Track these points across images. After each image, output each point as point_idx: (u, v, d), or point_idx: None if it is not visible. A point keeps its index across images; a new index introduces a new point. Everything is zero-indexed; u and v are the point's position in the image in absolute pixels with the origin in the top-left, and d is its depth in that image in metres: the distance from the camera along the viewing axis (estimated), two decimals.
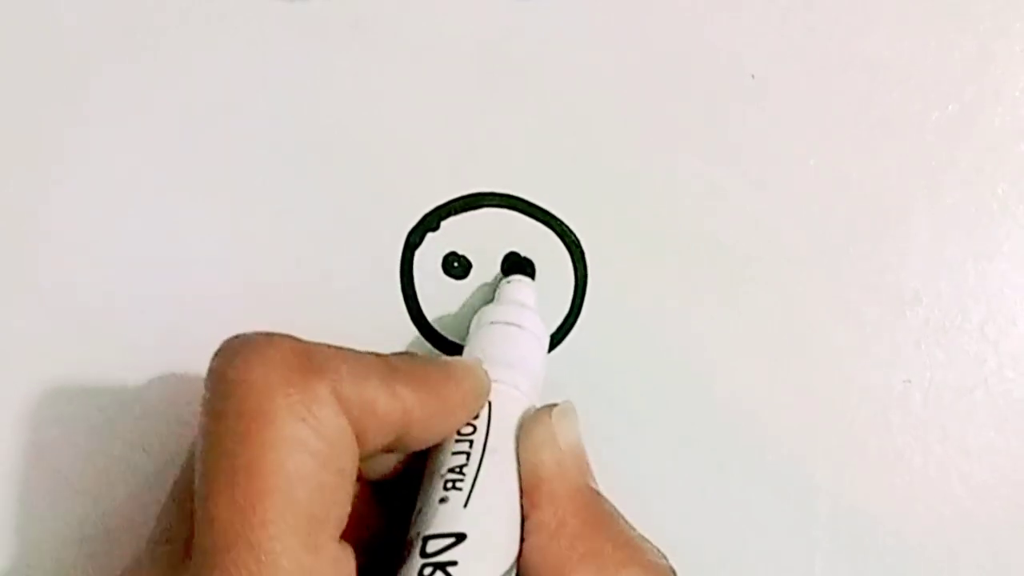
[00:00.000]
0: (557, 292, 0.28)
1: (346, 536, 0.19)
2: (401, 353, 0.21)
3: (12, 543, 0.28)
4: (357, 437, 0.19)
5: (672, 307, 0.28)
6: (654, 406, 0.28)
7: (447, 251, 0.28)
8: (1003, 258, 0.28)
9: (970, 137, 0.27)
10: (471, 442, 0.21)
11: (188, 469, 0.20)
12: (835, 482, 0.28)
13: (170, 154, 0.28)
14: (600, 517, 0.21)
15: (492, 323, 0.25)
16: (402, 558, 0.20)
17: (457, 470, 0.21)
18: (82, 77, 0.28)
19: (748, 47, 0.27)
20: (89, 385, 0.28)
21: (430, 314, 0.28)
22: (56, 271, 0.28)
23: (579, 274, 0.28)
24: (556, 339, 0.28)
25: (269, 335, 0.19)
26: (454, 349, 0.28)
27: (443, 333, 0.28)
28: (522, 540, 0.21)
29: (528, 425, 0.22)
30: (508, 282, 0.27)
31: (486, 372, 0.23)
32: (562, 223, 0.28)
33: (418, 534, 0.20)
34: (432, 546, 0.19)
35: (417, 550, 0.19)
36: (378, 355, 0.21)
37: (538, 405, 0.24)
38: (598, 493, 0.22)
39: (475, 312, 0.26)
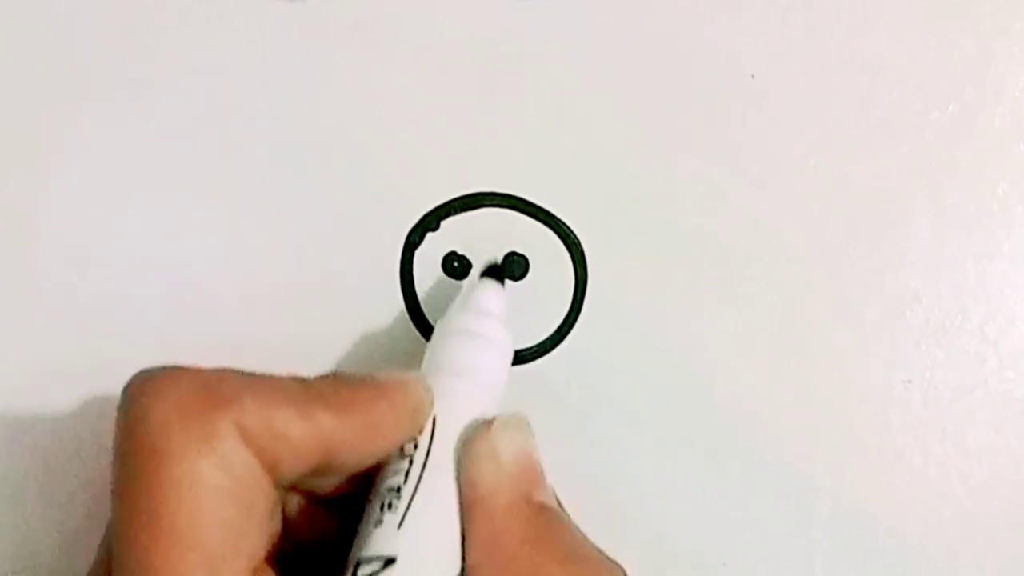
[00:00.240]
0: (557, 292, 0.28)
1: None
2: (326, 375, 0.21)
3: (12, 544, 0.28)
4: (269, 468, 0.19)
5: (672, 307, 0.28)
6: (654, 406, 0.28)
7: (447, 251, 0.28)
8: (1003, 258, 0.28)
9: (970, 137, 0.27)
10: (411, 460, 0.21)
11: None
12: (835, 482, 0.28)
13: (170, 154, 0.28)
14: (541, 531, 0.20)
15: (449, 332, 0.24)
16: None
17: (395, 490, 0.20)
18: (82, 77, 0.28)
19: (748, 47, 0.27)
20: (89, 385, 0.28)
21: (430, 314, 0.28)
22: (56, 271, 0.28)
23: (579, 274, 0.28)
24: (556, 339, 0.28)
25: (171, 368, 0.19)
26: None
27: None
28: (463, 560, 0.20)
29: (469, 439, 0.21)
30: (472, 287, 0.25)
31: (427, 387, 0.22)
32: (562, 223, 0.28)
33: (353, 557, 0.19)
34: (363, 570, 0.19)
35: (350, 574, 0.19)
36: (297, 379, 0.20)
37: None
38: (543, 506, 0.21)
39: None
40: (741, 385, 0.28)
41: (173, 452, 0.18)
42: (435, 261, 0.28)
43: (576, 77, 0.27)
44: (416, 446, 0.21)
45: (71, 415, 0.28)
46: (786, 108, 0.27)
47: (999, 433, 0.28)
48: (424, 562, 0.19)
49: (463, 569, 0.20)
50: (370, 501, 0.21)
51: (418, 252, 0.28)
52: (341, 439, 0.20)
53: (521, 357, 0.28)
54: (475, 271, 0.28)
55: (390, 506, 0.20)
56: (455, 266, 0.28)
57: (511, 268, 0.28)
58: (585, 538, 0.21)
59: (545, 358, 0.28)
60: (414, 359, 0.28)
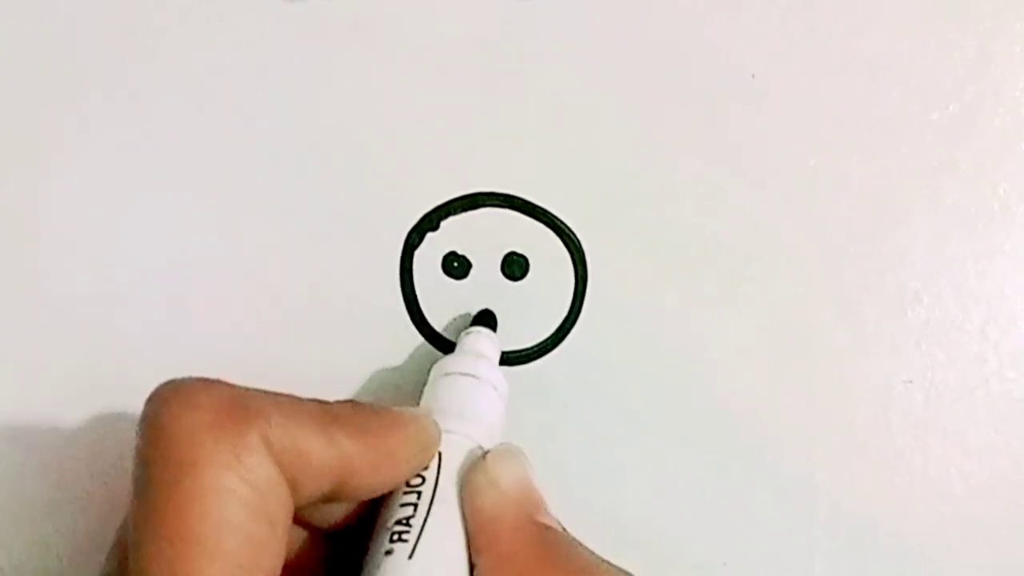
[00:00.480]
0: (557, 292, 0.28)
1: None
2: (345, 401, 0.21)
3: (9, 544, 0.28)
4: (290, 485, 0.19)
5: (672, 307, 0.28)
6: (654, 406, 0.28)
7: (447, 251, 0.28)
8: (1004, 258, 0.28)
9: (970, 137, 0.27)
10: (419, 493, 0.21)
11: (127, 519, 0.20)
12: (835, 482, 0.28)
13: (170, 154, 0.28)
14: (547, 550, 0.21)
15: (447, 374, 0.25)
16: None
17: (404, 522, 0.20)
18: (82, 77, 0.28)
19: (748, 47, 0.27)
20: (88, 385, 0.28)
21: (430, 314, 0.28)
22: (56, 271, 0.28)
23: (579, 274, 0.28)
24: (556, 339, 0.28)
25: (200, 380, 0.19)
26: (453, 349, 0.28)
27: (443, 333, 0.28)
28: None
29: (468, 472, 0.22)
30: (467, 333, 0.26)
31: (435, 423, 0.22)
32: (562, 223, 0.28)
33: None
34: None
35: None
36: (318, 401, 0.20)
37: None
38: (547, 527, 0.21)
39: (465, 327, 0.26)
40: (741, 385, 0.28)
41: (201, 463, 0.18)
42: (435, 261, 0.28)
43: (576, 77, 0.27)
44: (423, 480, 0.22)
45: (71, 417, 0.28)
46: (786, 108, 0.27)
47: (999, 433, 0.28)
48: None
49: None
50: (376, 534, 0.21)
51: (418, 252, 0.28)
52: (358, 464, 0.20)
53: (521, 357, 0.28)
54: (484, 268, 0.28)
55: (400, 537, 0.20)
56: (455, 266, 0.28)
57: (511, 268, 0.28)
58: (593, 553, 0.21)
59: (545, 358, 0.28)
60: (414, 359, 0.28)
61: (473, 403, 0.24)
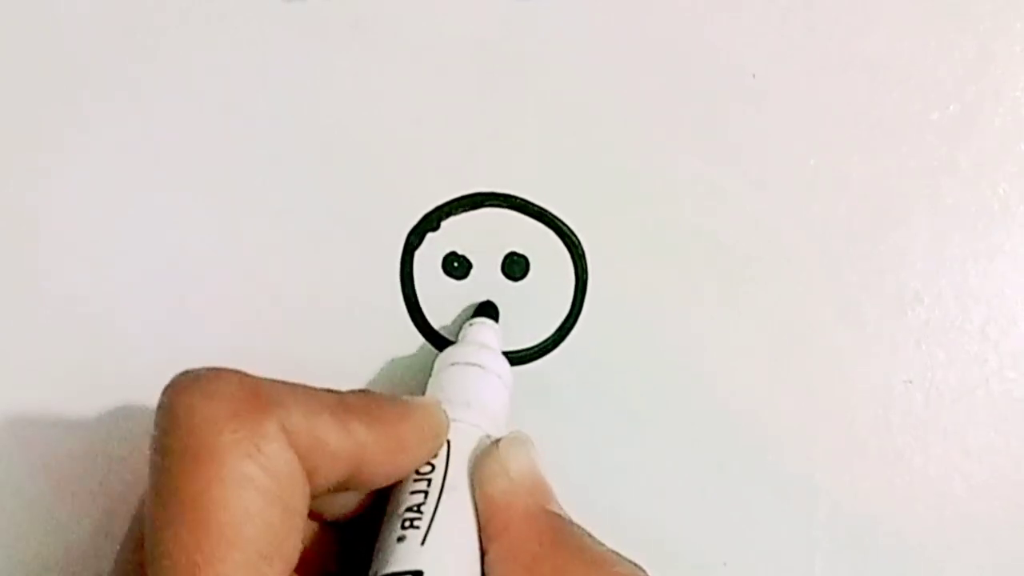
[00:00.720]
0: (557, 292, 0.28)
1: (303, 575, 0.19)
2: (357, 390, 0.21)
3: (9, 544, 0.28)
4: (307, 474, 0.19)
5: (672, 307, 0.28)
6: (654, 406, 0.28)
7: (447, 251, 0.28)
8: (1004, 258, 0.28)
9: (970, 137, 0.27)
10: (429, 480, 0.21)
11: (142, 509, 0.20)
12: (835, 482, 0.28)
13: (170, 154, 0.28)
14: (560, 538, 0.21)
15: (453, 364, 0.25)
16: None
17: (415, 509, 0.21)
18: (82, 77, 0.28)
19: (748, 47, 0.27)
20: (88, 385, 0.28)
21: (430, 314, 0.28)
22: (56, 271, 0.28)
23: (579, 274, 0.28)
24: (556, 339, 0.28)
25: (218, 370, 0.19)
26: None
27: (443, 333, 0.28)
28: (484, 575, 0.21)
29: (479, 459, 0.22)
30: (471, 324, 0.27)
31: (445, 412, 0.23)
32: (562, 223, 0.28)
33: (375, 573, 0.20)
34: None
35: None
36: (332, 391, 0.20)
37: None
38: (558, 515, 0.22)
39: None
40: (741, 385, 0.28)
41: (221, 451, 0.18)
42: (435, 261, 0.28)
43: (576, 77, 0.27)
44: (433, 468, 0.22)
45: (71, 417, 0.28)
46: (786, 108, 0.27)
47: (999, 433, 0.28)
48: (448, 575, 0.20)
49: None
50: (387, 521, 0.21)
51: (418, 252, 0.28)
52: (372, 452, 0.20)
53: (521, 357, 0.28)
54: (484, 268, 0.28)
55: (412, 524, 0.20)
56: (455, 266, 0.28)
57: (511, 268, 0.28)
58: (601, 543, 0.21)
59: (545, 358, 0.28)
60: (414, 359, 0.28)
61: (479, 392, 0.24)
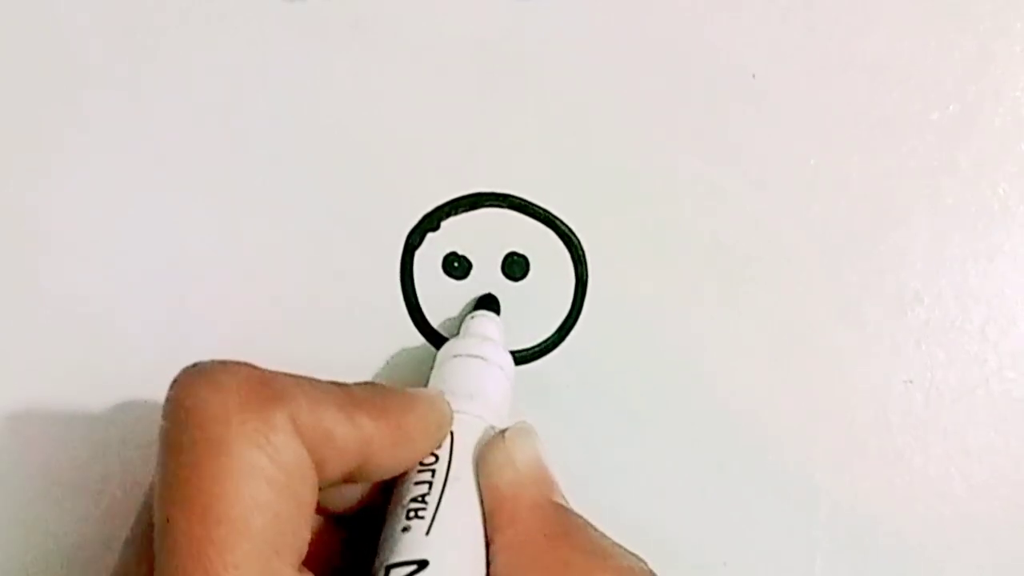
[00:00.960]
0: (557, 292, 0.28)
1: (309, 568, 0.19)
2: (362, 383, 0.21)
3: (9, 544, 0.28)
4: (316, 466, 0.19)
5: (672, 307, 0.28)
6: (654, 406, 0.28)
7: (447, 251, 0.28)
8: (1004, 258, 0.28)
9: (970, 137, 0.27)
10: (433, 471, 0.22)
11: (149, 501, 0.20)
12: (835, 482, 0.28)
13: (170, 154, 0.28)
14: (565, 529, 0.21)
15: (455, 356, 0.25)
16: None
17: (420, 499, 0.21)
18: (82, 77, 0.28)
19: (748, 47, 0.27)
20: (88, 384, 0.28)
21: (430, 314, 0.28)
22: (56, 271, 0.28)
23: (579, 274, 0.28)
24: (556, 339, 0.28)
25: (225, 363, 0.19)
26: None
27: (443, 333, 0.28)
28: (489, 564, 0.21)
29: (485, 450, 0.22)
30: (472, 317, 0.27)
31: (448, 403, 0.23)
32: (562, 223, 0.28)
33: (381, 564, 0.20)
34: (395, 574, 0.19)
35: None
36: (337, 384, 0.20)
37: None
38: (562, 507, 0.22)
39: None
40: (741, 385, 0.28)
41: (230, 443, 0.18)
42: (435, 261, 0.28)
43: (576, 77, 0.27)
44: (437, 459, 0.22)
45: (71, 417, 0.28)
46: (786, 108, 0.27)
47: (999, 433, 0.28)
48: (454, 565, 0.20)
49: (489, 573, 0.20)
50: (391, 512, 0.21)
51: (418, 252, 0.28)
52: (379, 443, 0.20)
53: (521, 357, 0.28)
54: (484, 268, 0.28)
55: (416, 514, 0.20)
56: (455, 266, 0.28)
57: (511, 268, 0.28)
58: (605, 535, 0.22)
59: (545, 358, 0.28)
60: (414, 359, 0.28)
61: (481, 383, 0.25)
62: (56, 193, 0.28)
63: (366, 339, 0.28)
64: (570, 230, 0.28)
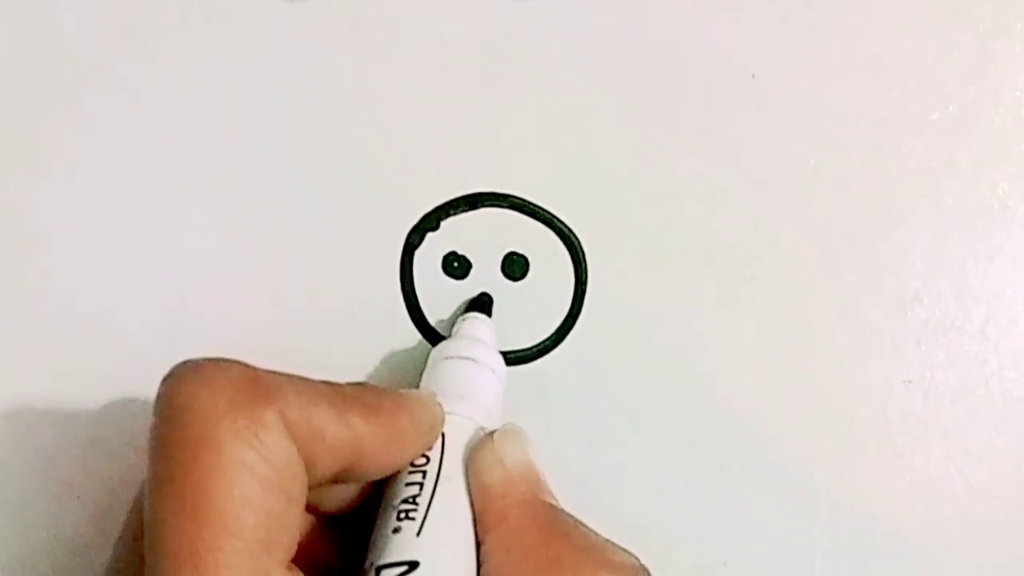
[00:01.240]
0: (557, 292, 0.28)
1: (300, 568, 0.19)
2: (354, 383, 0.21)
3: (10, 545, 0.28)
4: (306, 464, 0.19)
5: (672, 307, 0.28)
6: (654, 406, 0.28)
7: (447, 251, 0.28)
8: (1004, 258, 0.28)
9: (970, 137, 0.27)
10: (424, 472, 0.22)
11: (141, 499, 0.20)
12: (835, 482, 0.28)
13: (170, 154, 0.28)
14: (555, 527, 0.21)
15: (447, 358, 0.25)
16: None
17: (410, 500, 0.21)
18: (82, 77, 0.28)
19: (748, 47, 0.27)
20: (88, 384, 0.28)
21: (430, 314, 0.28)
22: (56, 272, 0.28)
23: (579, 274, 0.28)
24: (556, 339, 0.28)
25: (217, 360, 0.19)
26: None
27: (443, 333, 0.28)
28: (481, 565, 0.21)
29: (474, 451, 0.22)
30: (464, 319, 0.27)
31: (440, 404, 0.23)
32: (562, 223, 0.28)
33: (371, 564, 0.20)
34: (385, 575, 0.19)
35: None
36: (329, 383, 0.20)
37: None
38: (552, 505, 0.22)
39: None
40: (741, 385, 0.28)
41: (220, 440, 0.18)
42: (435, 261, 0.28)
43: (576, 77, 0.27)
44: (428, 460, 0.22)
45: (71, 416, 0.28)
46: (786, 108, 0.27)
47: (999, 433, 0.28)
48: (445, 566, 0.20)
49: (480, 573, 0.21)
50: (382, 514, 0.21)
51: (418, 252, 0.28)
52: (370, 443, 0.20)
53: (521, 357, 0.28)
54: (484, 268, 0.28)
55: (407, 515, 0.21)
56: (455, 266, 0.28)
57: (511, 268, 0.28)
58: (596, 532, 0.22)
59: (545, 358, 0.28)
60: (414, 358, 0.28)
61: (472, 385, 0.25)
62: (56, 193, 0.28)
63: (366, 339, 0.28)
64: (570, 230, 0.28)
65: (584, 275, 0.28)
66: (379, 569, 0.19)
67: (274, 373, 0.19)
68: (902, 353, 0.28)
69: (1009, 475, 0.28)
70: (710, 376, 0.28)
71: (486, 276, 0.28)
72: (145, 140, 0.28)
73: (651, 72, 0.27)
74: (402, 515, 0.21)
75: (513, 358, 0.28)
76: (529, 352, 0.28)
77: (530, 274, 0.28)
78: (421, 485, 0.21)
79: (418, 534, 0.20)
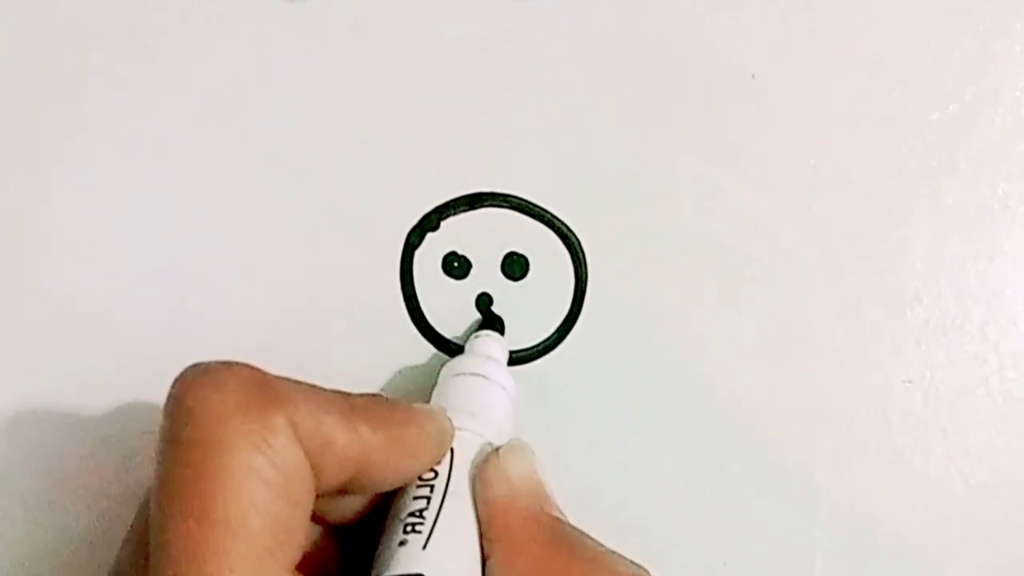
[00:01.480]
0: (557, 292, 0.28)
1: None
2: (366, 394, 0.21)
3: (10, 544, 0.28)
4: (314, 471, 0.19)
5: (672, 307, 0.28)
6: (654, 406, 0.28)
7: (447, 251, 0.28)
8: (1003, 258, 0.28)
9: (970, 137, 0.27)
10: (432, 487, 0.22)
11: (148, 501, 0.20)
12: (835, 482, 0.28)
13: (170, 154, 0.28)
14: (560, 540, 0.21)
15: (458, 374, 0.25)
16: None
17: (417, 514, 0.21)
18: (82, 77, 0.28)
19: (748, 47, 0.27)
20: (89, 385, 0.28)
21: (430, 314, 0.28)
22: (56, 272, 0.28)
23: (579, 274, 0.28)
24: (556, 339, 0.28)
25: (228, 363, 0.19)
26: (453, 349, 0.28)
27: (443, 333, 0.28)
28: None
29: (481, 466, 0.22)
30: (477, 336, 0.27)
31: (449, 420, 0.23)
32: (562, 223, 0.28)
33: None
34: None
35: None
36: (339, 392, 0.20)
37: None
38: (558, 519, 0.22)
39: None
40: (741, 385, 0.28)
41: (229, 443, 0.18)
42: (435, 261, 0.28)
43: (576, 77, 0.27)
44: (436, 475, 0.22)
45: (71, 416, 0.28)
46: (786, 108, 0.27)
47: (999, 433, 0.28)
48: None
49: None
50: (388, 526, 0.21)
51: (418, 252, 0.28)
52: (378, 455, 0.20)
53: (521, 357, 0.28)
54: (484, 268, 0.28)
55: (414, 529, 0.21)
56: (455, 266, 0.28)
57: (511, 268, 0.28)
58: (601, 544, 0.22)
59: (545, 358, 0.28)
60: (414, 359, 0.28)
61: (483, 402, 0.25)
62: (56, 193, 0.28)
63: (366, 338, 0.28)
64: (570, 230, 0.28)
65: (584, 275, 0.28)
66: None
67: (285, 379, 0.19)
68: (902, 353, 0.28)
69: (1009, 475, 0.28)
70: (710, 376, 0.28)
71: (486, 276, 0.28)
72: (145, 140, 0.28)
73: (651, 72, 0.27)
74: (408, 528, 0.21)
75: (513, 358, 0.28)
76: (529, 352, 0.28)
77: (530, 274, 0.28)
78: (428, 499, 0.21)
79: (424, 547, 0.20)
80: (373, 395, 0.22)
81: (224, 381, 0.18)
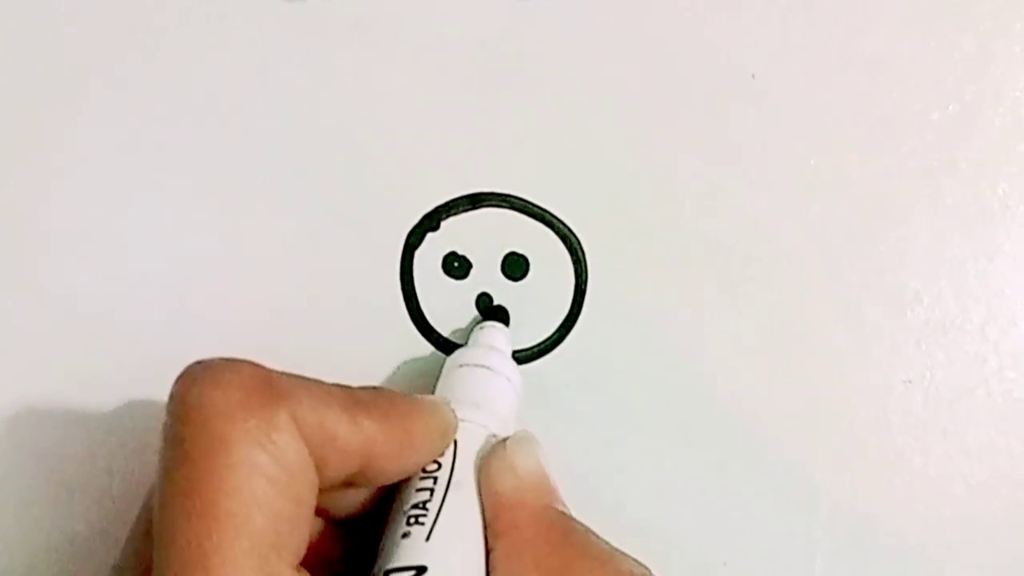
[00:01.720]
0: (557, 292, 0.28)
1: (309, 571, 0.19)
2: (368, 387, 0.21)
3: (10, 544, 0.28)
4: (317, 466, 0.19)
5: (672, 307, 0.28)
6: (654, 406, 0.28)
7: (447, 251, 0.28)
8: (1004, 258, 0.28)
9: (970, 137, 0.27)
10: (435, 479, 0.22)
11: (151, 498, 0.20)
12: (835, 482, 0.28)
13: (170, 154, 0.28)
14: (565, 535, 0.21)
15: (462, 365, 0.25)
16: None
17: (420, 506, 0.21)
18: (82, 77, 0.28)
19: (748, 47, 0.27)
20: (89, 385, 0.28)
21: (430, 314, 0.28)
22: (56, 272, 0.28)
23: (579, 274, 0.28)
24: (556, 339, 0.28)
25: (230, 360, 0.19)
26: (453, 349, 0.28)
27: (443, 333, 0.28)
28: (490, 572, 0.21)
29: (486, 458, 0.22)
30: (481, 327, 0.27)
31: (453, 411, 0.23)
32: (562, 223, 0.28)
33: (380, 569, 0.20)
34: None
35: None
36: (342, 386, 0.20)
37: None
38: (564, 514, 0.22)
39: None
40: (741, 385, 0.28)
41: (232, 440, 0.18)
42: (435, 261, 0.28)
43: (576, 77, 0.27)
44: (439, 466, 0.22)
45: (71, 416, 0.28)
46: (786, 108, 0.27)
47: (999, 433, 0.28)
48: (453, 571, 0.20)
49: None
50: (392, 518, 0.21)
51: (418, 252, 0.28)
52: (381, 447, 0.20)
53: (521, 357, 0.28)
54: (484, 268, 0.28)
55: (417, 520, 0.20)
56: (455, 266, 0.28)
57: (511, 268, 0.28)
58: (607, 542, 0.21)
59: (545, 358, 0.28)
60: (414, 359, 0.28)
61: (487, 393, 0.25)
62: (56, 193, 0.28)
63: (366, 338, 0.28)
64: (570, 230, 0.28)
65: (584, 275, 0.28)
66: (387, 573, 0.19)
67: (287, 374, 0.19)
68: (902, 353, 0.28)
69: (1009, 475, 0.28)
70: (710, 376, 0.28)
71: (486, 276, 0.28)
72: (145, 140, 0.28)
73: (651, 72, 0.27)
74: (412, 520, 0.20)
75: (513, 358, 0.28)
76: (529, 352, 0.28)
77: (530, 274, 0.28)
78: (432, 491, 0.21)
79: (427, 539, 0.20)
80: (375, 388, 0.22)
81: (226, 378, 0.18)
